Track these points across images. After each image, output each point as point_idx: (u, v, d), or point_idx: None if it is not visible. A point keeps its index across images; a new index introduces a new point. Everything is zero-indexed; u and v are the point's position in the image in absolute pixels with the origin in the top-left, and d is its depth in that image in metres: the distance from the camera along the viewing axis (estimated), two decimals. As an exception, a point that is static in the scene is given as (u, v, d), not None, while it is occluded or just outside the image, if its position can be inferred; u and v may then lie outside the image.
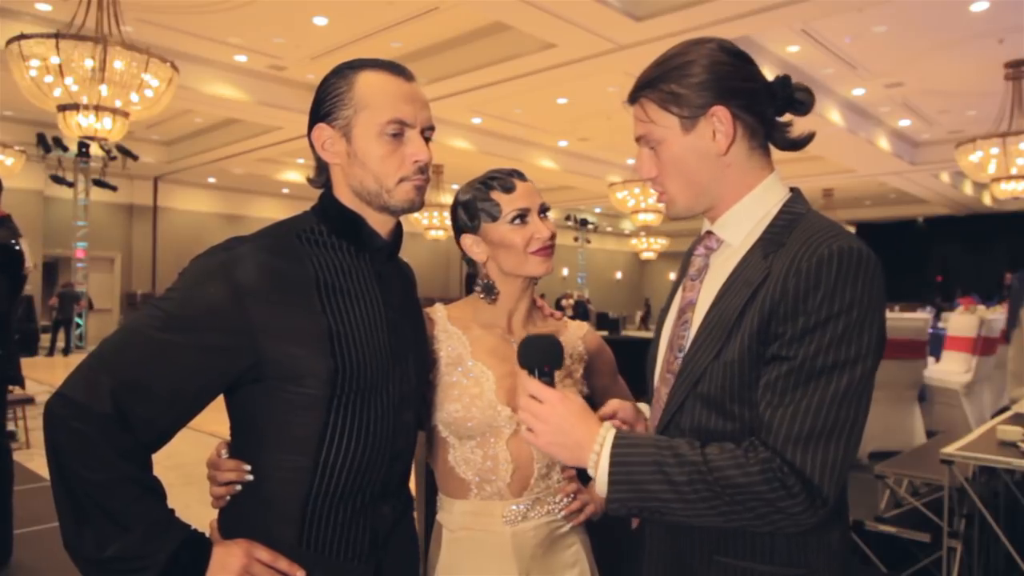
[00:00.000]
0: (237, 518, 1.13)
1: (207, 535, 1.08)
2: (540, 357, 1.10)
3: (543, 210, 1.41)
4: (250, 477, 1.11)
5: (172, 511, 1.03)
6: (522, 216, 1.37)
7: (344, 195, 1.18)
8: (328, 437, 1.09)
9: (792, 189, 1.13)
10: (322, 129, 1.16)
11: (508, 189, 1.38)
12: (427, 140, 1.17)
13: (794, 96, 1.10)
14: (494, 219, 1.38)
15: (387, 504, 1.19)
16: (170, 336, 1.01)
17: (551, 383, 1.08)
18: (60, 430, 0.97)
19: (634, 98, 1.12)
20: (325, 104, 1.15)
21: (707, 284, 1.12)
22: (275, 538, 1.08)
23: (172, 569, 0.98)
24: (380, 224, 1.19)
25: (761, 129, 1.10)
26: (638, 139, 1.12)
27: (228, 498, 1.14)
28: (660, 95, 1.08)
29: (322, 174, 1.20)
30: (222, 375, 1.05)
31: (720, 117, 1.05)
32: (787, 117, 1.13)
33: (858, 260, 0.96)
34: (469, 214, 1.41)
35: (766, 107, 1.09)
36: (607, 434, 1.02)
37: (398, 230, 1.24)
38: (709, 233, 1.15)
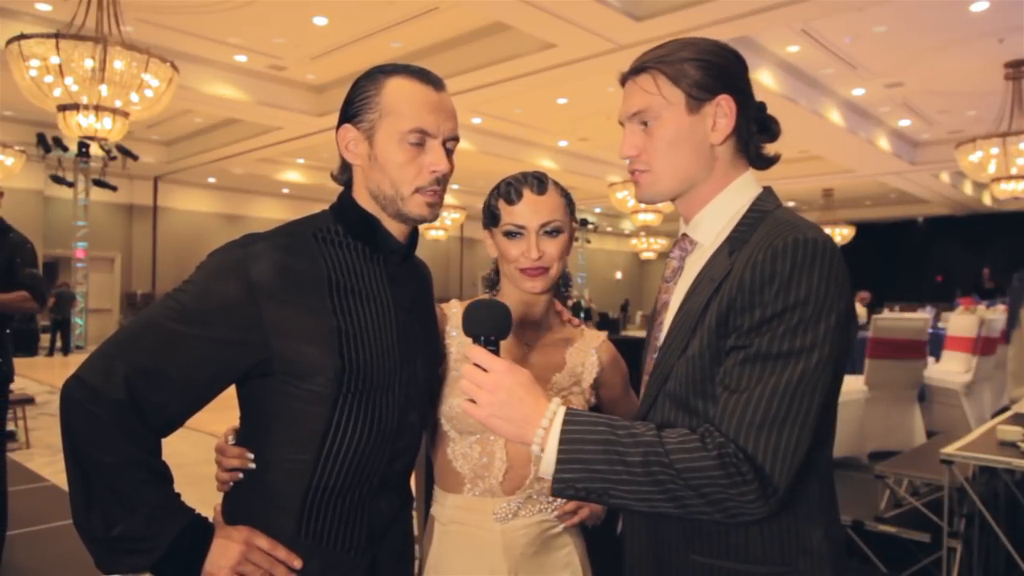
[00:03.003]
0: (239, 504, 1.16)
1: (211, 519, 1.12)
2: (486, 325, 1.05)
3: (550, 229, 1.36)
4: (252, 465, 1.15)
5: (178, 495, 1.07)
6: (514, 234, 1.36)
7: (362, 197, 1.20)
8: (332, 433, 1.12)
9: (764, 187, 1.13)
10: (348, 130, 1.18)
11: (511, 201, 1.36)
12: (450, 151, 1.19)
13: (767, 121, 1.13)
14: (496, 225, 1.39)
15: (385, 500, 1.22)
16: (184, 327, 1.04)
17: (496, 353, 1.02)
18: (75, 412, 1.01)
19: (641, 69, 1.11)
20: (354, 105, 1.18)
21: (680, 285, 1.14)
22: (274, 526, 1.11)
23: (174, 551, 1.03)
24: (396, 228, 1.21)
25: (745, 134, 1.11)
26: (633, 114, 1.11)
27: (232, 484, 1.18)
28: (674, 70, 1.08)
29: (345, 172, 1.23)
30: (232, 368, 1.09)
31: (725, 107, 1.07)
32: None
33: (813, 251, 0.96)
34: (484, 212, 1.43)
35: (752, 116, 1.12)
36: (557, 409, 0.97)
37: (414, 233, 1.26)
38: (684, 236, 1.16)
